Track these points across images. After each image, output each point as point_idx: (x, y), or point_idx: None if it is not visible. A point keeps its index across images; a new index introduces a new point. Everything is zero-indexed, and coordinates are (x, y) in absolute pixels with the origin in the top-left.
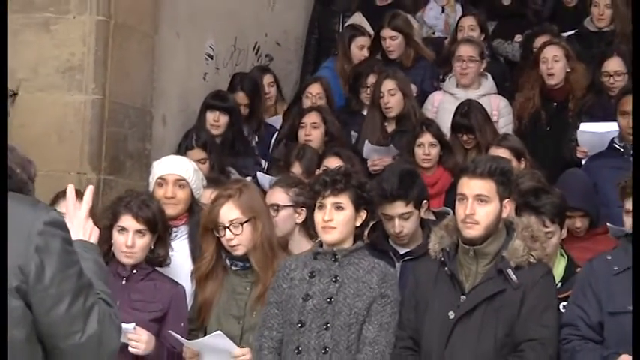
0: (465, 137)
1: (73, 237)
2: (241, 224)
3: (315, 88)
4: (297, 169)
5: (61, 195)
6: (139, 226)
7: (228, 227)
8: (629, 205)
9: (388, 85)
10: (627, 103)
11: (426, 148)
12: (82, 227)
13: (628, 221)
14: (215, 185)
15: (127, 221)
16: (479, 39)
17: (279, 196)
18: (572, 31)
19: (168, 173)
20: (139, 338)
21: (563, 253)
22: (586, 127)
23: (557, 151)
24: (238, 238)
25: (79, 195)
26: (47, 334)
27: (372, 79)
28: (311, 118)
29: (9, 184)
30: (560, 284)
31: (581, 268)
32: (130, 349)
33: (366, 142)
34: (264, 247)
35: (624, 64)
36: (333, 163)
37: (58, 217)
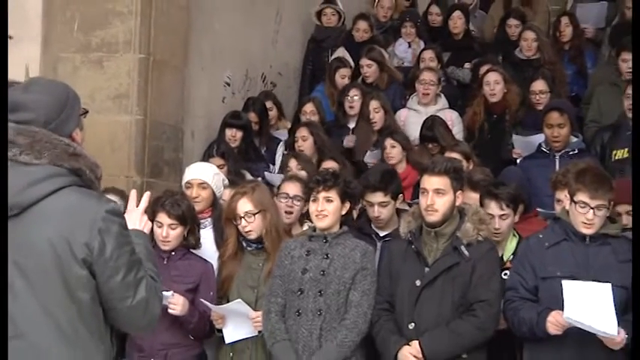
0: (430, 145)
1: (130, 227)
2: (253, 215)
3: (309, 107)
4: (296, 166)
5: (108, 191)
6: (171, 221)
7: (243, 217)
8: (558, 195)
9: (373, 104)
10: (551, 118)
11: (388, 149)
12: (138, 220)
13: (558, 207)
14: (233, 185)
15: (162, 217)
16: (437, 67)
17: (293, 187)
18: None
19: (193, 178)
20: (176, 302)
21: (515, 234)
22: (519, 137)
23: (496, 152)
24: (251, 226)
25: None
26: (107, 297)
27: (353, 92)
28: (301, 132)
29: (80, 181)
30: (511, 256)
31: (520, 244)
32: (169, 311)
33: (368, 152)
34: (273, 233)
35: (547, 85)
36: (329, 164)
37: (116, 207)
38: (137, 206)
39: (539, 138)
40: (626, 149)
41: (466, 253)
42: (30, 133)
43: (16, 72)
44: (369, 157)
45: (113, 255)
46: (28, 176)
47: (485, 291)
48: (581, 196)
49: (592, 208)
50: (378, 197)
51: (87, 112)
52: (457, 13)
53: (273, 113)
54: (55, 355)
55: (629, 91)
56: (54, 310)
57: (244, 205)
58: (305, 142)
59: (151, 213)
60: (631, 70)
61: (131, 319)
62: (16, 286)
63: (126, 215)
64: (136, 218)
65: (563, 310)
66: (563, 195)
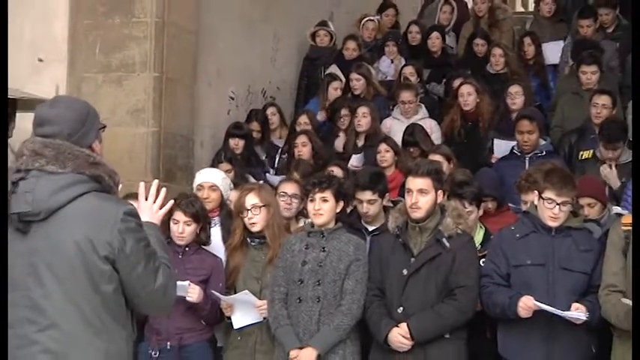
0: (412, 149)
1: (143, 219)
2: (259, 207)
3: (303, 119)
4: (295, 175)
5: (129, 196)
6: (187, 219)
7: (249, 209)
8: (523, 197)
9: (362, 110)
10: (522, 125)
11: (383, 154)
12: (151, 213)
13: (524, 207)
14: (238, 188)
15: (179, 215)
16: (416, 81)
17: (291, 187)
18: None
19: (204, 181)
20: (193, 291)
21: (481, 226)
22: (501, 141)
23: (472, 155)
24: (256, 218)
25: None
26: (131, 287)
27: (344, 111)
28: (301, 139)
29: (100, 187)
30: (480, 247)
31: (494, 235)
32: (187, 298)
33: (353, 155)
34: (274, 227)
35: (522, 90)
36: (333, 168)
37: (133, 209)
38: (146, 199)
39: (512, 143)
40: (591, 150)
41: (447, 244)
42: (55, 145)
43: (47, 91)
44: (354, 161)
45: (133, 251)
46: (54, 184)
47: (465, 277)
48: (548, 194)
49: (558, 204)
50: (367, 195)
51: (105, 126)
52: (435, 34)
53: (276, 118)
54: (83, 341)
55: (596, 100)
56: (80, 301)
57: (251, 199)
58: (304, 148)
59: (168, 213)
60: (590, 80)
61: (153, 302)
62: (46, 282)
63: (137, 207)
64: (147, 211)
65: (531, 294)
66: (527, 197)
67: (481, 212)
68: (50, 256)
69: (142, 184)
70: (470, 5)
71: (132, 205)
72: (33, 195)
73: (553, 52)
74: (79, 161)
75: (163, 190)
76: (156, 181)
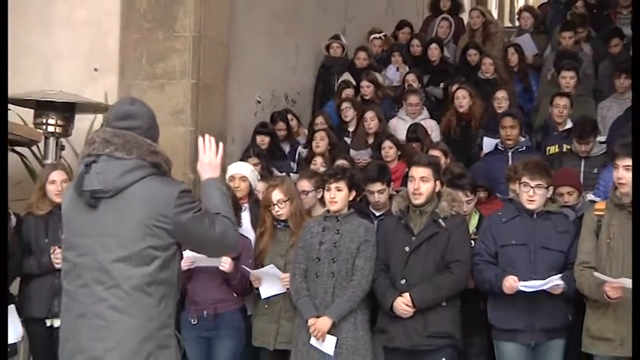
0: (414, 144)
1: (205, 177)
2: (284, 202)
3: (319, 119)
4: (314, 166)
5: None
6: None
7: (275, 204)
8: (511, 186)
9: (369, 114)
10: (505, 122)
11: (387, 150)
12: (211, 168)
13: (512, 194)
14: (264, 179)
15: None
16: (418, 86)
17: (305, 184)
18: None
19: (235, 173)
20: (226, 261)
21: (477, 212)
22: (489, 139)
23: (465, 150)
24: (282, 211)
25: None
26: (197, 243)
27: (351, 113)
28: (320, 134)
29: (159, 171)
30: (475, 229)
31: (484, 219)
32: (220, 267)
33: (361, 150)
34: (297, 215)
35: (508, 95)
36: (341, 161)
37: (186, 187)
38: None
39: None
40: (557, 145)
41: (443, 224)
42: (122, 135)
43: (101, 96)
44: (360, 154)
45: (188, 219)
46: (121, 167)
47: (459, 253)
48: (524, 179)
49: (532, 187)
50: (377, 186)
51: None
52: (434, 45)
53: (293, 123)
54: (139, 299)
55: (558, 101)
56: (139, 266)
57: (277, 195)
58: (322, 141)
59: None
60: (569, 84)
61: (218, 248)
62: (112, 249)
63: (198, 166)
64: (207, 166)
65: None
66: (513, 186)
67: (477, 199)
68: (116, 228)
69: (200, 139)
70: (466, 20)
71: (185, 184)
72: (104, 176)
73: (524, 42)
74: (142, 150)
75: (221, 145)
76: (221, 145)
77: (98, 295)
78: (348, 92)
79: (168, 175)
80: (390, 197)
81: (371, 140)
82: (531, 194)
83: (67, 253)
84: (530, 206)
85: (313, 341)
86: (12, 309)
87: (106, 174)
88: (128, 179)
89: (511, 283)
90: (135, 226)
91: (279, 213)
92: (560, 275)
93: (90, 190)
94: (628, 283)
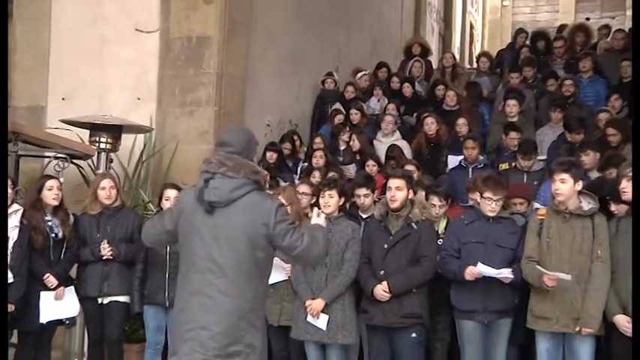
0: (392, 162)
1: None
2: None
3: (318, 139)
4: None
5: (167, 186)
6: None
7: None
8: (471, 195)
9: (355, 136)
10: (467, 144)
11: (370, 167)
12: (319, 223)
13: (471, 202)
14: (271, 188)
15: None
16: (395, 114)
17: (304, 187)
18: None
19: None
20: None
21: (445, 216)
22: (453, 157)
23: (433, 166)
24: None
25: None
26: (287, 249)
27: (342, 135)
28: (319, 153)
29: (259, 187)
30: (444, 230)
31: (449, 222)
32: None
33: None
34: (297, 217)
35: (467, 123)
36: (332, 173)
37: (281, 203)
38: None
39: (461, 157)
40: (507, 163)
41: (415, 227)
42: (233, 158)
43: (143, 120)
44: (348, 168)
45: (282, 229)
46: (232, 184)
47: (428, 250)
48: (487, 194)
49: (494, 201)
50: (363, 191)
51: (257, 142)
52: (406, 84)
53: (297, 143)
54: (241, 286)
55: (512, 135)
56: (242, 261)
57: (280, 200)
58: (321, 159)
59: None
60: (512, 111)
61: (304, 257)
62: (222, 246)
63: (312, 220)
64: (317, 222)
65: (475, 265)
66: (473, 196)
67: (447, 206)
68: (227, 231)
69: (316, 209)
70: (434, 64)
71: (281, 201)
72: (219, 190)
73: (483, 82)
74: (247, 170)
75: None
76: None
77: (209, 280)
78: (339, 118)
79: (265, 188)
80: (374, 203)
81: (358, 157)
82: (493, 206)
83: (185, 246)
84: (490, 214)
85: (309, 318)
86: (71, 289)
87: (221, 189)
88: (237, 194)
89: (472, 270)
90: (241, 231)
91: None
92: (510, 269)
93: (208, 200)
94: (562, 275)
